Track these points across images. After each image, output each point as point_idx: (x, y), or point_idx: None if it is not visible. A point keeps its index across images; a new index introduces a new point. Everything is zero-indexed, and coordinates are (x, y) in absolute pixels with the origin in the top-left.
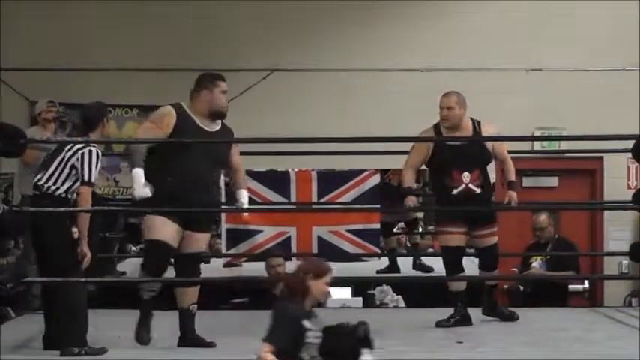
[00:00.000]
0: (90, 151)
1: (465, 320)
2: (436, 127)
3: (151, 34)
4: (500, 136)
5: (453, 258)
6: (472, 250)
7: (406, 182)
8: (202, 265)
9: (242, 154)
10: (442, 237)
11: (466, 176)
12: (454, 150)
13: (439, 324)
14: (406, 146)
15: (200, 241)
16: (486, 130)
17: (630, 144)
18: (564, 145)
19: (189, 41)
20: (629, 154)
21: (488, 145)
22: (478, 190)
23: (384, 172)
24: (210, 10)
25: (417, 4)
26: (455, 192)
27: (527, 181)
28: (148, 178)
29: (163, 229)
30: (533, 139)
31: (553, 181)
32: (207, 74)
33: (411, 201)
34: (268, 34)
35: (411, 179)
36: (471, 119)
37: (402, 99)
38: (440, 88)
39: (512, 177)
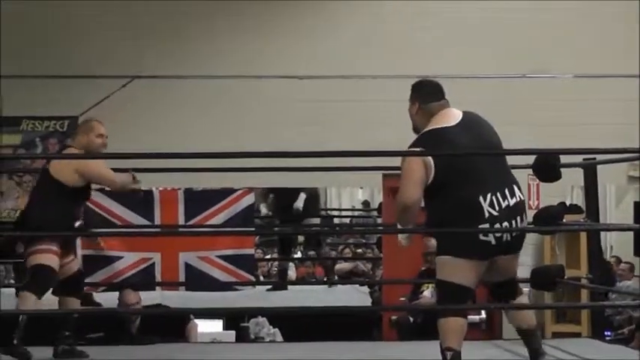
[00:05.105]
0: None
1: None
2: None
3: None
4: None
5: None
6: None
7: None
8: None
9: None
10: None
11: None
12: None
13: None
14: (285, 162)
15: None
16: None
17: (531, 159)
18: None
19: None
20: (530, 170)
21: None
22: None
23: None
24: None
25: (292, 11)
26: None
27: None
28: None
29: None
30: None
31: None
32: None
33: None
34: (130, 39)
35: None
36: None
37: (279, 108)
38: (320, 97)
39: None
